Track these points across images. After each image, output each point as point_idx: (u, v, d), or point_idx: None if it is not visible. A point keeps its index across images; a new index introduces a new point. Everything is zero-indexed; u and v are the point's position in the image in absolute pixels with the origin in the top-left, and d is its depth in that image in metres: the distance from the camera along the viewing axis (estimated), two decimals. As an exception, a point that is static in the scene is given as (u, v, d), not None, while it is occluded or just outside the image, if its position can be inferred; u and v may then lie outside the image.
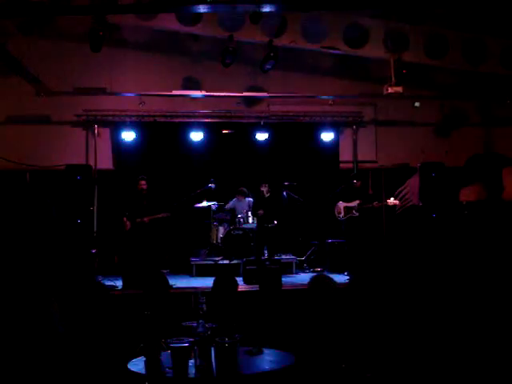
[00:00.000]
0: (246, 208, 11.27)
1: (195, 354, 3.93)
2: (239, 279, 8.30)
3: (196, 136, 11.63)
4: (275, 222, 10.77)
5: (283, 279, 8.86)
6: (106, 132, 11.85)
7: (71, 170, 10.57)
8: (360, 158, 12.47)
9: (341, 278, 9.31)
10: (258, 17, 8.79)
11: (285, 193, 11.03)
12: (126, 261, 9.48)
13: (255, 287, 7.77)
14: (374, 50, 10.33)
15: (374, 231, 11.51)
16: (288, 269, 10.67)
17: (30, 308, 4.74)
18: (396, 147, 12.48)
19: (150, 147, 11.80)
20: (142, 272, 8.83)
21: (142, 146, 11.74)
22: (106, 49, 9.64)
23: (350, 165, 12.44)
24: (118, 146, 11.80)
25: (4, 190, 11.02)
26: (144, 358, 4.03)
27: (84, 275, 9.15)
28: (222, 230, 11.23)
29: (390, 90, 9.97)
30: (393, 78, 9.97)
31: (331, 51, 10.45)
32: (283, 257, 10.93)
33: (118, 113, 11.58)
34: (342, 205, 10.60)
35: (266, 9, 8.27)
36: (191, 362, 3.92)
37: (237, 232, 10.87)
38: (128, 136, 11.49)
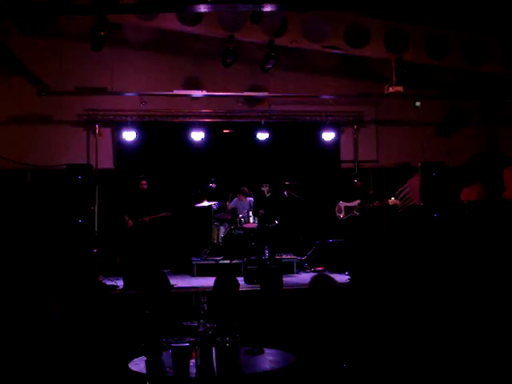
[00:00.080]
0: (247, 208, 11.27)
1: (196, 354, 3.93)
2: (240, 279, 8.30)
3: (197, 136, 11.63)
4: (276, 222, 10.79)
5: (284, 279, 8.85)
6: (106, 131, 11.86)
7: (72, 169, 10.58)
8: (361, 157, 12.47)
9: (342, 278, 9.31)
10: (259, 16, 8.78)
11: (286, 192, 11.02)
12: (127, 260, 9.47)
13: (256, 287, 7.78)
14: (374, 50, 10.33)
15: (375, 231, 11.52)
16: (289, 268, 10.67)
17: (31, 308, 4.74)
18: (397, 147, 12.48)
19: (150, 147, 11.80)
20: (143, 272, 8.84)
21: (142, 146, 11.74)
22: (107, 48, 9.66)
23: (351, 164, 12.44)
24: (118, 145, 11.80)
25: (5, 189, 11.05)
26: (145, 358, 4.04)
27: (85, 275, 9.16)
28: (222, 229, 11.23)
29: (390, 90, 9.97)
30: (394, 78, 9.97)
31: (332, 51, 10.44)
32: (284, 256, 10.94)
33: (119, 112, 11.58)
34: (342, 204, 10.60)
35: (267, 8, 8.27)
36: (192, 361, 3.92)
37: (238, 232, 10.87)
38: (129, 135, 11.49)
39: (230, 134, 12.06)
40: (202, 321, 4.06)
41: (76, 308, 4.86)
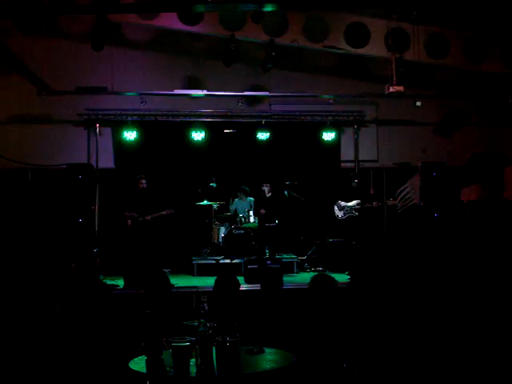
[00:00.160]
0: (248, 207, 11.28)
1: (196, 353, 3.94)
2: (240, 278, 8.29)
3: (197, 135, 11.64)
4: (276, 222, 10.80)
5: (284, 278, 8.86)
6: (107, 131, 11.86)
7: (73, 169, 10.58)
8: (361, 157, 12.47)
9: (342, 278, 9.31)
10: (260, 16, 8.78)
11: (286, 192, 11.03)
12: (127, 260, 9.48)
13: (256, 286, 7.77)
14: (375, 50, 10.33)
15: (375, 231, 11.54)
16: (289, 268, 10.67)
17: (32, 307, 4.75)
18: (397, 147, 12.49)
19: (151, 146, 11.80)
20: (144, 271, 8.84)
21: (143, 145, 11.74)
22: (108, 48, 9.64)
23: (352, 164, 12.45)
24: (119, 145, 11.80)
25: (5, 189, 11.06)
26: (145, 357, 4.04)
27: (85, 274, 9.17)
28: (223, 229, 11.23)
29: (391, 90, 9.95)
30: (394, 78, 9.96)
31: (333, 50, 10.45)
32: (284, 256, 10.93)
33: (119, 112, 11.59)
34: (341, 204, 10.61)
35: (268, 8, 8.27)
36: (192, 361, 3.92)
37: (238, 231, 10.87)
38: (129, 135, 11.50)
39: (231, 134, 12.06)
40: (202, 320, 4.07)
41: (76, 307, 4.87)
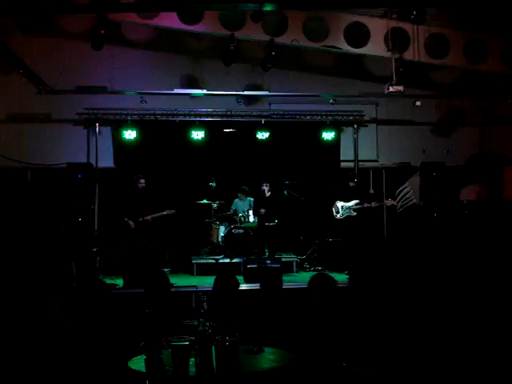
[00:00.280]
0: (247, 207, 11.29)
1: (196, 353, 3.94)
2: (240, 278, 8.30)
3: (197, 135, 11.64)
4: (276, 221, 10.80)
5: (284, 278, 8.87)
6: (107, 130, 11.86)
7: (72, 168, 10.58)
8: (361, 157, 12.47)
9: (341, 277, 9.31)
10: (259, 16, 8.79)
11: (286, 192, 11.04)
12: (127, 259, 9.48)
13: (256, 286, 7.78)
14: (375, 49, 10.35)
15: (374, 230, 11.55)
16: (289, 267, 10.68)
17: (31, 306, 4.75)
18: (397, 146, 12.49)
19: (151, 146, 11.80)
20: (143, 271, 8.85)
21: (142, 145, 11.74)
22: (108, 47, 9.65)
23: (351, 164, 12.45)
24: (119, 144, 11.80)
25: (5, 188, 11.05)
26: (144, 357, 4.04)
27: (85, 274, 9.16)
28: (222, 228, 11.24)
29: (391, 89, 9.97)
30: (394, 77, 9.98)
31: (332, 50, 10.45)
32: (284, 256, 10.94)
33: (119, 111, 11.59)
34: (339, 204, 10.62)
35: (268, 8, 8.28)
36: (192, 360, 3.93)
37: (238, 231, 10.87)
38: (129, 134, 11.51)
39: (230, 133, 12.06)
40: (201, 320, 4.07)
41: (76, 306, 4.87)
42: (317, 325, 4.68)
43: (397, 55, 10.12)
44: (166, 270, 10.16)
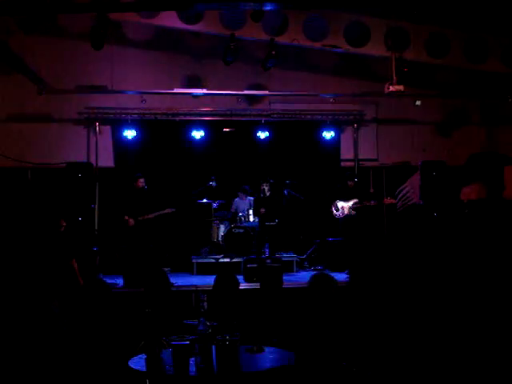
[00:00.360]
0: (248, 206, 11.29)
1: (196, 352, 3.94)
2: (240, 277, 8.31)
3: (197, 134, 11.64)
4: (276, 221, 10.81)
5: (284, 277, 8.87)
6: (107, 130, 11.86)
7: (72, 167, 10.58)
8: (361, 156, 12.47)
9: (341, 277, 9.31)
10: (260, 15, 8.79)
11: (286, 191, 11.04)
12: (127, 259, 9.49)
13: (256, 285, 7.78)
14: (375, 49, 10.35)
15: (375, 230, 11.55)
16: (289, 267, 10.68)
17: (32, 305, 4.75)
18: (397, 146, 12.48)
19: (151, 145, 11.80)
20: (143, 270, 8.85)
21: (143, 144, 11.74)
22: (108, 46, 9.63)
23: (351, 163, 12.45)
24: (119, 143, 11.80)
25: (5, 187, 11.05)
26: (145, 356, 4.05)
27: (85, 273, 9.16)
28: (222, 228, 11.23)
29: (391, 89, 9.97)
30: (394, 77, 9.97)
31: (333, 49, 10.45)
32: (284, 255, 10.94)
33: (119, 111, 11.59)
34: (338, 203, 10.64)
35: (268, 7, 8.28)
36: (192, 359, 3.93)
37: (238, 230, 10.86)
38: (129, 134, 11.51)
39: (231, 133, 12.07)
40: (201, 319, 4.07)
41: (76, 306, 4.87)
42: (317, 324, 4.68)
43: (397, 55, 10.11)
44: (166, 269, 10.17)
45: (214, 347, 3.95)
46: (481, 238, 10.01)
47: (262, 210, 10.72)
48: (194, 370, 3.88)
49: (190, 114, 11.84)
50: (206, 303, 4.26)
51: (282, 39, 9.97)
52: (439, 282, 7.30)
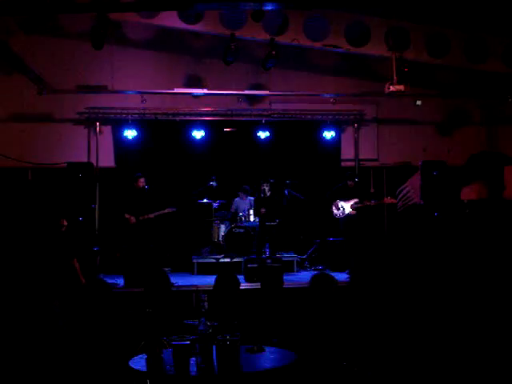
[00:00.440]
0: (248, 206, 11.29)
1: (197, 352, 3.94)
2: (240, 277, 8.32)
3: (197, 134, 11.63)
4: (277, 221, 10.81)
5: (284, 277, 8.87)
6: (107, 130, 11.85)
7: (73, 167, 10.58)
8: (361, 156, 12.46)
9: (342, 277, 9.32)
10: (260, 15, 8.79)
11: (286, 191, 11.04)
12: (127, 259, 9.49)
13: (257, 285, 7.78)
14: (375, 48, 10.34)
15: (375, 230, 11.55)
16: (289, 267, 10.68)
17: (32, 305, 4.75)
18: (398, 146, 12.48)
19: (151, 145, 11.80)
20: (144, 270, 8.85)
21: (143, 144, 11.74)
22: (108, 46, 9.65)
23: (352, 163, 12.44)
24: (119, 143, 11.79)
25: (5, 187, 11.05)
26: (145, 356, 4.05)
27: (86, 273, 9.16)
28: (223, 227, 11.23)
29: (391, 89, 9.97)
30: (394, 77, 9.97)
31: (333, 49, 10.45)
32: (284, 255, 10.94)
33: (119, 110, 11.58)
34: (339, 203, 10.64)
35: (268, 7, 8.27)
36: (192, 359, 3.93)
37: (238, 230, 10.86)
38: (130, 134, 11.50)
39: (231, 133, 12.06)
40: (202, 319, 4.07)
41: (77, 306, 4.87)
42: (318, 324, 4.68)
43: (397, 54, 10.11)
44: (166, 269, 10.18)
45: (214, 347, 3.95)
46: (481, 238, 10.01)
47: (263, 210, 10.72)
48: (195, 370, 3.88)
49: (191, 114, 11.84)
50: (206, 303, 4.26)
51: (282, 39, 9.97)
52: (440, 281, 7.30)
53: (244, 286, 7.98)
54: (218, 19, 9.66)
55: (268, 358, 4.19)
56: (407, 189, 11.97)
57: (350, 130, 12.52)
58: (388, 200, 10.62)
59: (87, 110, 11.58)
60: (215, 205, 11.27)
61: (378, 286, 6.42)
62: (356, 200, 10.57)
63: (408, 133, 12.49)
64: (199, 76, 11.79)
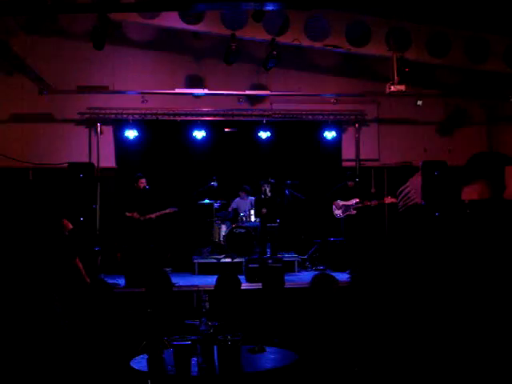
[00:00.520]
0: (249, 206, 11.29)
1: (198, 352, 3.94)
2: (241, 277, 8.32)
3: (198, 134, 11.64)
4: (278, 221, 10.81)
5: (285, 277, 8.86)
6: (108, 130, 11.86)
7: (74, 168, 10.56)
8: (362, 156, 12.47)
9: (343, 277, 9.32)
10: (261, 15, 8.79)
11: (287, 191, 11.04)
12: (128, 259, 9.49)
13: (258, 285, 7.78)
14: (376, 49, 10.33)
15: (376, 230, 11.54)
16: (290, 267, 10.68)
17: (33, 306, 4.75)
18: (398, 146, 12.48)
19: (152, 145, 11.81)
20: (145, 270, 8.85)
21: (144, 144, 11.75)
22: (109, 47, 9.66)
23: (353, 163, 12.44)
24: (120, 144, 11.80)
25: (6, 187, 11.06)
26: (146, 356, 4.05)
27: (87, 273, 9.16)
28: (224, 228, 11.23)
29: (392, 89, 9.97)
30: (395, 77, 9.97)
31: (334, 49, 10.45)
32: (285, 255, 10.94)
33: (120, 111, 11.59)
34: (339, 203, 10.64)
35: (269, 7, 8.27)
36: (194, 360, 3.93)
37: (239, 230, 10.86)
38: (130, 134, 11.51)
39: (232, 133, 12.07)
40: (203, 319, 4.08)
41: (78, 305, 4.87)
42: (319, 324, 4.68)
43: (398, 54, 10.11)
44: (167, 269, 10.20)
45: (215, 347, 3.95)
46: (482, 238, 10.00)
47: (264, 210, 10.72)
48: (196, 370, 3.88)
49: (192, 114, 11.84)
50: (207, 303, 4.26)
51: (283, 39, 9.96)
52: (441, 281, 7.30)
53: (245, 286, 7.98)
54: (218, 19, 9.66)
55: (269, 358, 4.19)
56: (408, 189, 11.96)
57: (350, 130, 12.52)
58: (388, 199, 10.62)
59: (88, 110, 11.59)
60: (216, 205, 11.27)
61: (379, 286, 6.41)
62: (356, 200, 10.58)
63: (409, 133, 12.49)
64: (200, 76, 11.79)
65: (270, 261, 9.75)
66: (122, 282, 9.29)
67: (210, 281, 8.49)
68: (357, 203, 10.53)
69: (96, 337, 4.53)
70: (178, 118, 11.81)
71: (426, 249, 10.32)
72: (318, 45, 10.32)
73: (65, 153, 11.35)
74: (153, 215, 10.23)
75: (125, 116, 11.58)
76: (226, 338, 3.90)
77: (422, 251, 10.17)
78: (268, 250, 10.79)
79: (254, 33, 9.83)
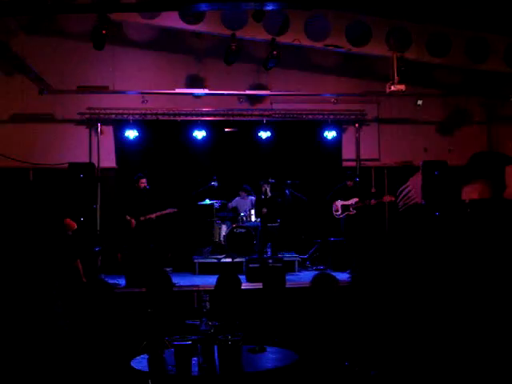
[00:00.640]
0: (249, 206, 11.29)
1: (198, 352, 3.94)
2: (242, 277, 8.31)
3: (199, 134, 11.64)
4: (278, 221, 10.81)
5: (286, 277, 8.86)
6: (108, 130, 11.86)
7: (74, 168, 10.58)
8: (363, 156, 12.47)
9: (343, 276, 9.32)
10: (261, 15, 8.79)
11: (288, 191, 11.04)
12: (129, 259, 9.50)
13: (258, 285, 7.78)
14: (376, 48, 10.34)
15: (376, 229, 11.54)
16: (290, 267, 10.68)
17: (34, 306, 4.75)
18: (399, 145, 12.47)
19: (152, 145, 11.81)
20: (145, 270, 8.85)
21: (144, 144, 11.75)
22: (109, 47, 9.66)
23: (353, 163, 12.45)
24: (120, 144, 11.80)
25: (6, 188, 11.05)
26: (147, 356, 4.05)
27: (87, 273, 9.17)
28: (224, 228, 11.24)
29: (392, 88, 9.97)
30: (395, 76, 9.97)
31: (334, 49, 10.45)
32: (286, 255, 10.94)
33: (120, 111, 11.59)
34: (339, 203, 10.65)
35: (269, 7, 8.28)
36: (194, 359, 3.93)
37: (240, 230, 10.86)
38: (131, 134, 11.51)
39: (232, 133, 12.07)
40: (204, 319, 4.08)
41: (78, 306, 4.87)
42: (319, 324, 4.68)
43: (398, 54, 10.11)
44: (168, 269, 10.20)
45: (216, 347, 3.95)
46: (482, 238, 10.00)
47: (264, 210, 10.72)
48: (197, 370, 3.88)
49: (192, 114, 11.84)
50: (208, 303, 4.26)
51: (283, 39, 9.96)
52: (441, 281, 7.29)
53: (245, 286, 7.97)
54: (219, 19, 9.66)
55: (270, 358, 4.19)
56: (408, 188, 11.96)
57: (351, 130, 12.53)
58: (388, 198, 10.62)
59: (88, 111, 11.59)
60: (216, 205, 11.28)
61: (379, 286, 6.41)
62: (356, 199, 10.58)
63: (409, 132, 12.49)
64: (200, 76, 11.78)
65: (270, 261, 9.76)
66: (122, 282, 9.29)
67: (210, 281, 8.48)
68: (356, 203, 10.54)
69: (96, 337, 4.53)
70: (179, 118, 11.81)
71: (426, 249, 10.31)
72: (318, 45, 10.33)
73: (65, 153, 11.35)
74: (153, 215, 10.23)
75: (125, 116, 11.58)
76: (226, 337, 3.90)
77: (422, 251, 10.17)
78: (268, 250, 10.80)
79: (254, 33, 9.84)
